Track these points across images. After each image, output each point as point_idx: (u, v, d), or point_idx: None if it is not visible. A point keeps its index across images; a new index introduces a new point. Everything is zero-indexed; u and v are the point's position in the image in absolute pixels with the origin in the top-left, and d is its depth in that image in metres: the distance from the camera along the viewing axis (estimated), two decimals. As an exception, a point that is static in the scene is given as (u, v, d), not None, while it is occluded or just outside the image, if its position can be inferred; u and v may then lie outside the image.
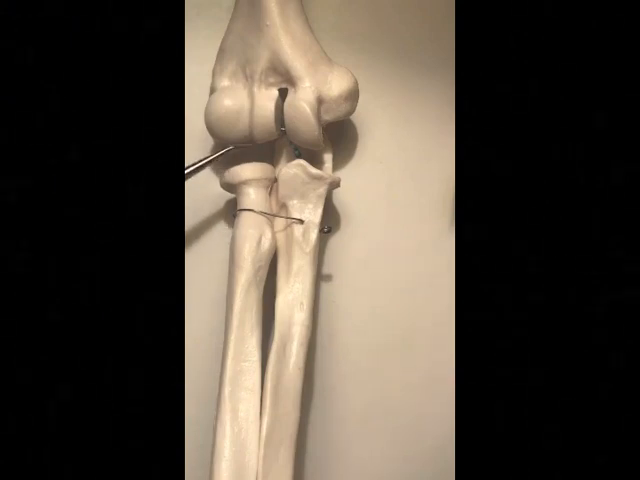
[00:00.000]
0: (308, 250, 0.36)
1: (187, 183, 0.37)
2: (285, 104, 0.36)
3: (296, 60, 0.36)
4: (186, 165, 0.36)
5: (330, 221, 0.40)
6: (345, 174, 0.40)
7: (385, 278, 0.40)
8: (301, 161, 0.37)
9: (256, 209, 0.36)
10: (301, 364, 0.34)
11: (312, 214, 0.37)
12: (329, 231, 0.37)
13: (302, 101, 0.35)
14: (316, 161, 0.38)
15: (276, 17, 0.36)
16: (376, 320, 0.39)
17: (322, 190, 0.37)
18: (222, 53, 0.38)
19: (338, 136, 0.40)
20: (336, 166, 0.40)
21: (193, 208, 0.39)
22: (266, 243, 0.35)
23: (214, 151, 0.40)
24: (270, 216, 0.37)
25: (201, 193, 0.39)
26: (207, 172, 0.40)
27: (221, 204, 0.40)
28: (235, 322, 0.34)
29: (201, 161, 0.36)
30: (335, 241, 0.40)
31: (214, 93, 0.37)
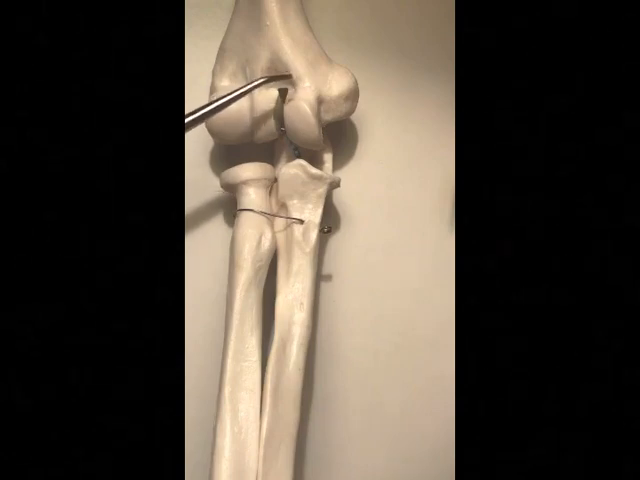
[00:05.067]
0: (308, 250, 0.36)
1: (187, 184, 0.37)
2: (285, 104, 0.36)
3: (296, 60, 0.36)
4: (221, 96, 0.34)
5: (330, 221, 0.40)
6: (345, 174, 0.40)
7: (385, 278, 0.40)
8: (301, 161, 0.37)
9: (256, 209, 0.36)
10: (301, 364, 0.34)
11: (312, 214, 0.37)
12: (329, 231, 0.37)
13: (302, 101, 0.35)
14: (316, 161, 0.38)
15: (276, 17, 0.36)
16: (376, 320, 0.39)
17: (322, 190, 0.37)
18: (222, 53, 0.38)
19: (338, 136, 0.41)
20: (336, 166, 0.40)
21: (193, 208, 0.39)
22: (266, 243, 0.35)
23: (214, 151, 0.40)
24: (270, 216, 0.37)
25: (201, 193, 0.39)
26: (207, 172, 0.40)
27: (221, 204, 0.40)
28: (235, 322, 0.34)
29: (233, 93, 0.34)
30: (335, 241, 0.40)
31: (214, 93, 0.37)
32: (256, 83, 0.35)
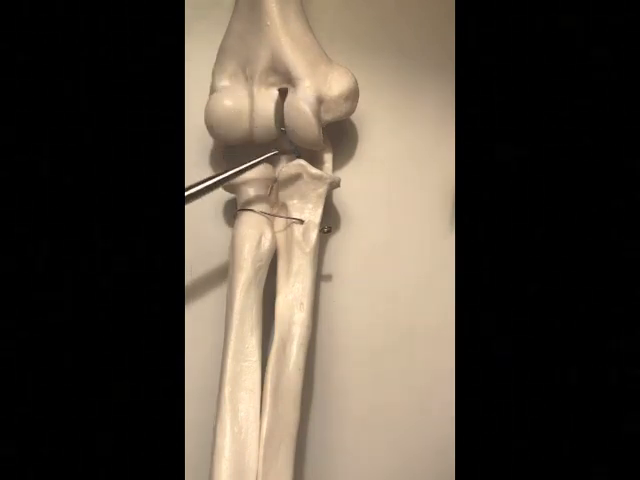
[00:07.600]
0: (308, 250, 0.36)
1: (187, 184, 0.37)
2: (285, 104, 0.36)
3: (296, 60, 0.36)
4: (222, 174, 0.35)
5: (330, 221, 0.40)
6: (345, 174, 0.40)
7: (385, 278, 0.40)
8: (301, 161, 0.37)
9: (256, 209, 0.36)
10: (301, 364, 0.34)
11: (312, 214, 0.37)
12: (329, 231, 0.38)
13: (302, 101, 0.35)
14: (316, 161, 0.38)
15: (276, 17, 0.36)
16: (376, 320, 0.39)
17: (322, 190, 0.37)
18: (222, 53, 0.38)
19: (338, 136, 0.41)
20: (336, 166, 0.40)
21: (193, 208, 0.39)
22: (266, 243, 0.35)
23: (214, 151, 0.40)
24: (270, 216, 0.37)
25: (201, 193, 0.39)
26: (207, 172, 0.40)
27: (221, 204, 0.40)
28: (235, 322, 0.34)
29: (241, 167, 0.35)
30: (335, 241, 0.40)
31: (214, 93, 0.37)
32: (266, 156, 0.36)
